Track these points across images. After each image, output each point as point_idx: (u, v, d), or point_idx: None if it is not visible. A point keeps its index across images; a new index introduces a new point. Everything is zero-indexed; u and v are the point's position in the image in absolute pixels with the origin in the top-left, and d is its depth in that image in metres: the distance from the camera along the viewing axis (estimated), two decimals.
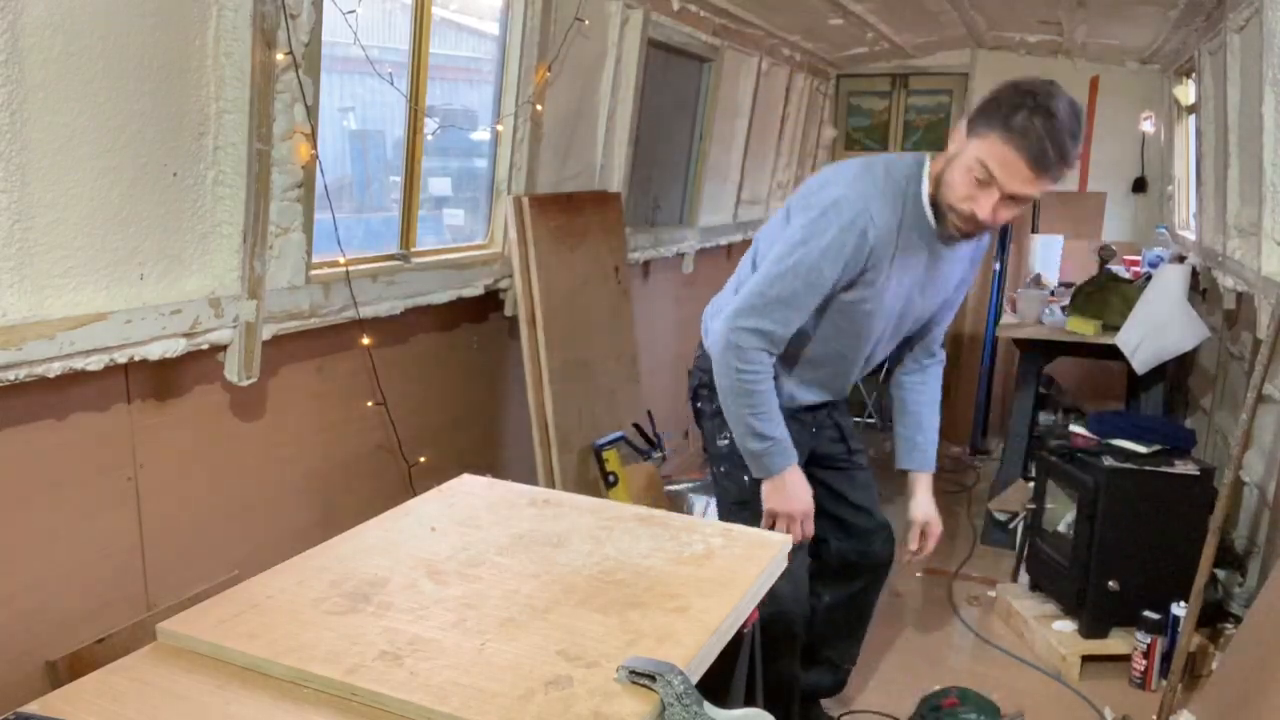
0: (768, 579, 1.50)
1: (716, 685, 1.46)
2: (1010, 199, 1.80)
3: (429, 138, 2.69)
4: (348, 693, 1.11)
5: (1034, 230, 5.22)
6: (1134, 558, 2.93)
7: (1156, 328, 3.52)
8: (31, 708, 1.07)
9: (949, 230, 1.95)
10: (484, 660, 1.17)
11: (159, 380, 1.96)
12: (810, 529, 2.10)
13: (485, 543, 1.53)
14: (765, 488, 2.07)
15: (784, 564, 1.56)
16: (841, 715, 2.70)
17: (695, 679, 1.20)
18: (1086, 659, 2.95)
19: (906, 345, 2.36)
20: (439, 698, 1.09)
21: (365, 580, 1.38)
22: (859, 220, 1.90)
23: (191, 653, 1.20)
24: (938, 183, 1.93)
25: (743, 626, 1.44)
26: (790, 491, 2.06)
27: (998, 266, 5.23)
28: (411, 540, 1.55)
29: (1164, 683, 2.63)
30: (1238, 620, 2.59)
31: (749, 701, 1.59)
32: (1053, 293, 4.23)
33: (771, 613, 1.87)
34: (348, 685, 1.12)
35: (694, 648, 1.22)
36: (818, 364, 2.17)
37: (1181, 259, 4.01)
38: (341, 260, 2.35)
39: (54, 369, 1.65)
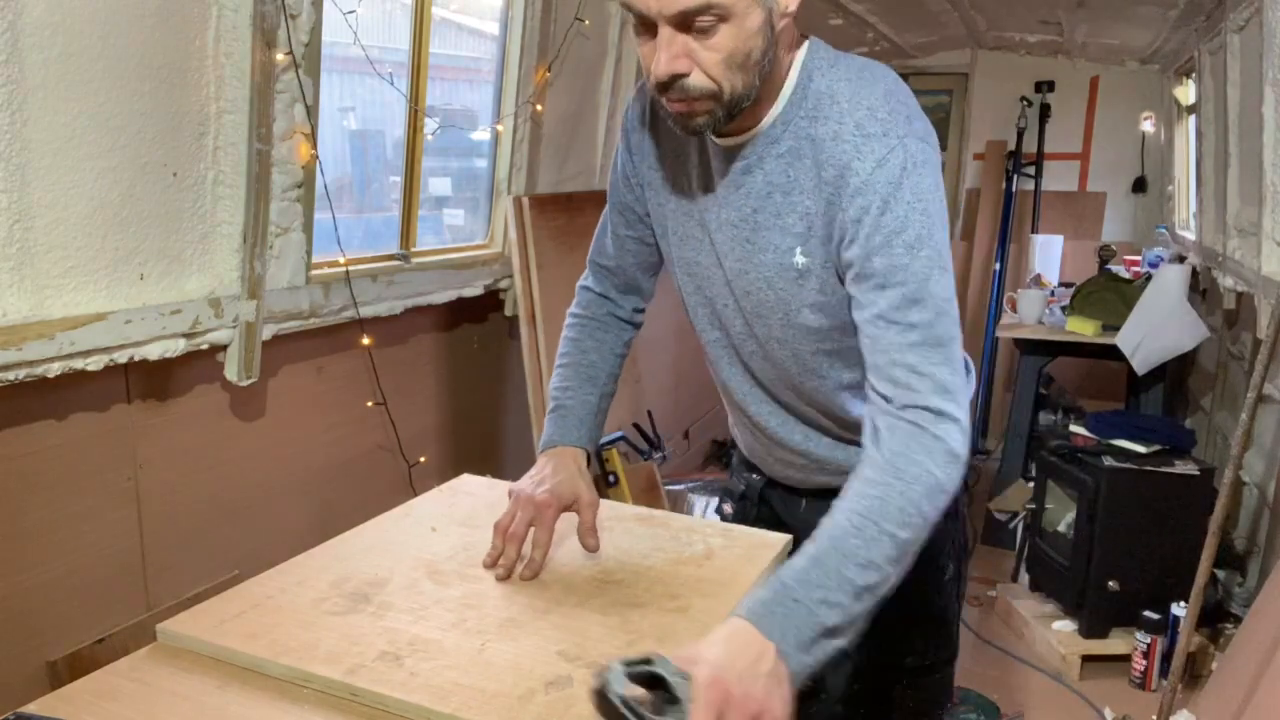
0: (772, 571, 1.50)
1: None
2: (661, 27, 1.04)
3: (429, 138, 2.69)
4: (348, 693, 1.11)
5: (1034, 230, 5.22)
6: (1134, 558, 2.93)
7: (1156, 328, 3.52)
8: (31, 708, 1.06)
9: (675, 125, 1.16)
10: (484, 660, 1.17)
11: (159, 380, 1.96)
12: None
13: (486, 543, 1.53)
14: None
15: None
16: None
17: None
18: (1086, 659, 2.95)
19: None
20: (439, 698, 1.09)
21: (365, 580, 1.38)
22: (627, 108, 1.38)
23: (191, 653, 1.20)
24: None
25: None
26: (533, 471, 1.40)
27: (998, 267, 5.23)
28: (412, 540, 1.55)
29: (1164, 683, 2.63)
30: (1238, 620, 2.59)
31: None
32: (1053, 293, 4.23)
33: None
34: (348, 685, 1.11)
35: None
36: (721, 389, 1.51)
37: (1181, 259, 4.01)
38: (341, 260, 2.35)
39: (54, 369, 1.65)
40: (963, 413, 1.07)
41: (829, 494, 1.21)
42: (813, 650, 0.98)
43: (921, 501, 1.03)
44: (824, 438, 1.41)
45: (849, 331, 1.18)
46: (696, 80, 1.06)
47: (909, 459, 1.04)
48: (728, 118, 1.10)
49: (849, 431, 1.35)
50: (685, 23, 1.02)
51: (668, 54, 1.04)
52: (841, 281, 1.16)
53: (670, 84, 1.06)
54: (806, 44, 1.19)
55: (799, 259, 1.18)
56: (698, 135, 1.18)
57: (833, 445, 1.41)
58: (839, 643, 1.00)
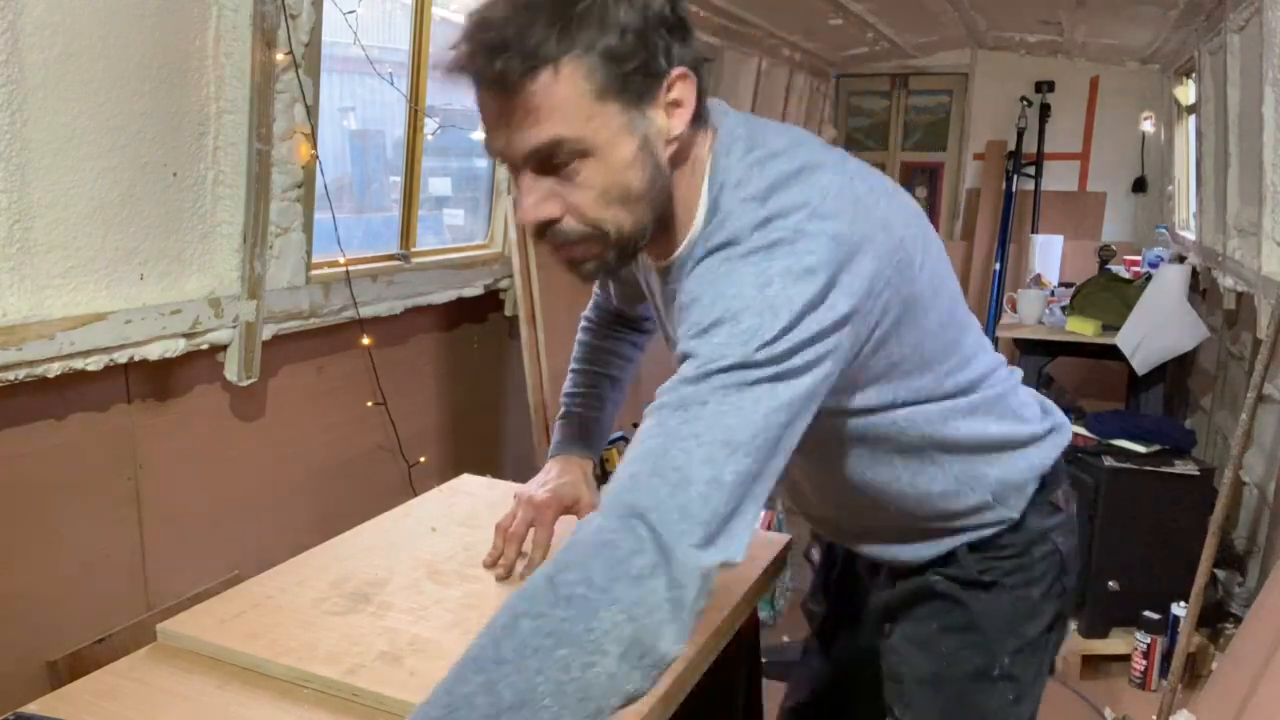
0: (770, 576, 1.50)
1: (718, 685, 1.46)
2: (520, 172, 0.94)
3: (429, 138, 2.69)
4: (349, 693, 1.11)
5: (1034, 230, 5.22)
6: (1134, 558, 2.93)
7: (1156, 328, 3.52)
8: (31, 708, 1.07)
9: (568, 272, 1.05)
10: None
11: (159, 380, 1.96)
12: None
13: (486, 543, 1.53)
14: None
15: (783, 564, 1.55)
16: None
17: (699, 674, 1.20)
18: (1086, 659, 2.95)
19: None
20: None
21: (365, 580, 1.39)
22: None
23: (191, 653, 1.20)
24: None
25: (744, 625, 1.44)
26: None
27: (998, 267, 5.23)
28: (412, 540, 1.55)
29: (1164, 683, 2.63)
30: (1238, 620, 2.59)
31: (749, 698, 1.59)
32: (1053, 293, 4.23)
33: None
34: (349, 685, 1.12)
35: (708, 635, 1.24)
36: None
37: (1181, 259, 4.01)
38: (341, 260, 2.35)
39: (54, 369, 1.65)
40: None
41: (910, 570, 1.22)
42: None
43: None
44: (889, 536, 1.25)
45: (837, 432, 1.07)
46: (569, 225, 0.94)
47: None
48: (623, 257, 0.97)
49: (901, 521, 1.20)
50: (543, 165, 0.91)
51: (532, 199, 0.93)
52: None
53: (542, 232, 0.95)
54: (716, 144, 0.98)
55: None
56: (591, 281, 1.06)
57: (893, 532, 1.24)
58: None
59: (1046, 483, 1.20)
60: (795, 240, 0.87)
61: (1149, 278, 3.76)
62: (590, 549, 0.77)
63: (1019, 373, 1.23)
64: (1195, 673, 2.78)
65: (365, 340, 2.46)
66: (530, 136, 0.89)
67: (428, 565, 1.45)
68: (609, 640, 0.73)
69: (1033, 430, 1.19)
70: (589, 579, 0.75)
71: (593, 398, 1.49)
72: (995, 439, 1.15)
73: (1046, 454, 1.20)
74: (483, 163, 3.05)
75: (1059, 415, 1.26)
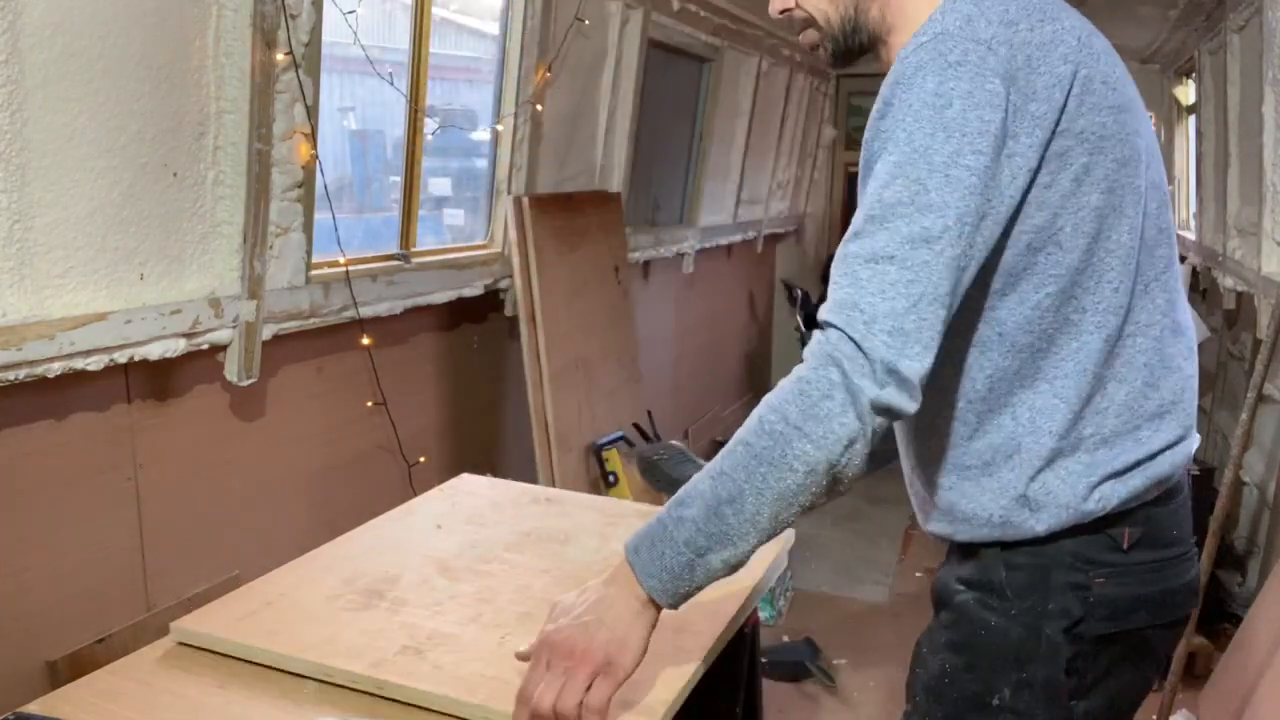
0: (774, 571, 1.51)
1: (718, 684, 1.46)
2: None
3: (429, 138, 2.69)
4: (374, 686, 1.12)
5: None
6: None
7: None
8: (31, 708, 1.07)
9: None
10: (505, 653, 1.17)
11: (159, 380, 1.96)
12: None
13: (493, 540, 1.54)
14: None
15: (784, 563, 1.56)
16: None
17: (699, 674, 1.20)
18: None
19: None
20: (468, 689, 1.10)
21: (376, 578, 1.39)
22: None
23: (191, 653, 1.20)
24: None
25: (744, 625, 1.44)
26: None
27: None
28: (418, 538, 1.55)
29: (1164, 683, 2.63)
30: (1238, 620, 2.59)
31: (749, 696, 1.59)
32: None
33: None
34: (374, 679, 1.12)
35: (710, 635, 1.26)
36: None
37: (1182, 259, 4.01)
38: (341, 260, 2.35)
39: (54, 369, 1.65)
40: (864, 332, 0.91)
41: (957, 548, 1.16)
42: (674, 571, 0.99)
43: (783, 406, 0.94)
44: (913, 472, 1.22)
45: None
46: (798, 13, 1.16)
47: (796, 368, 0.96)
48: (842, 49, 1.15)
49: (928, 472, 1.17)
50: None
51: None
52: None
53: (788, 23, 1.19)
54: None
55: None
56: (832, 67, 1.24)
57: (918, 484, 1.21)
58: (710, 562, 0.98)
59: (1115, 513, 1.07)
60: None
61: None
62: (790, 393, 0.95)
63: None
64: (1195, 673, 2.78)
65: (365, 340, 2.46)
66: None
67: (437, 562, 1.45)
68: (798, 463, 0.93)
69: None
70: (786, 418, 0.94)
71: None
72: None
73: (1128, 483, 1.06)
74: (482, 163, 3.05)
75: (1192, 437, 1.13)
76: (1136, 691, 1.17)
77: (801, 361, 0.97)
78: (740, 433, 0.98)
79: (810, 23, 1.16)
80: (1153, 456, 1.08)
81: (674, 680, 1.15)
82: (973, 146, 0.93)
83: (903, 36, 1.07)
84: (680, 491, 1.01)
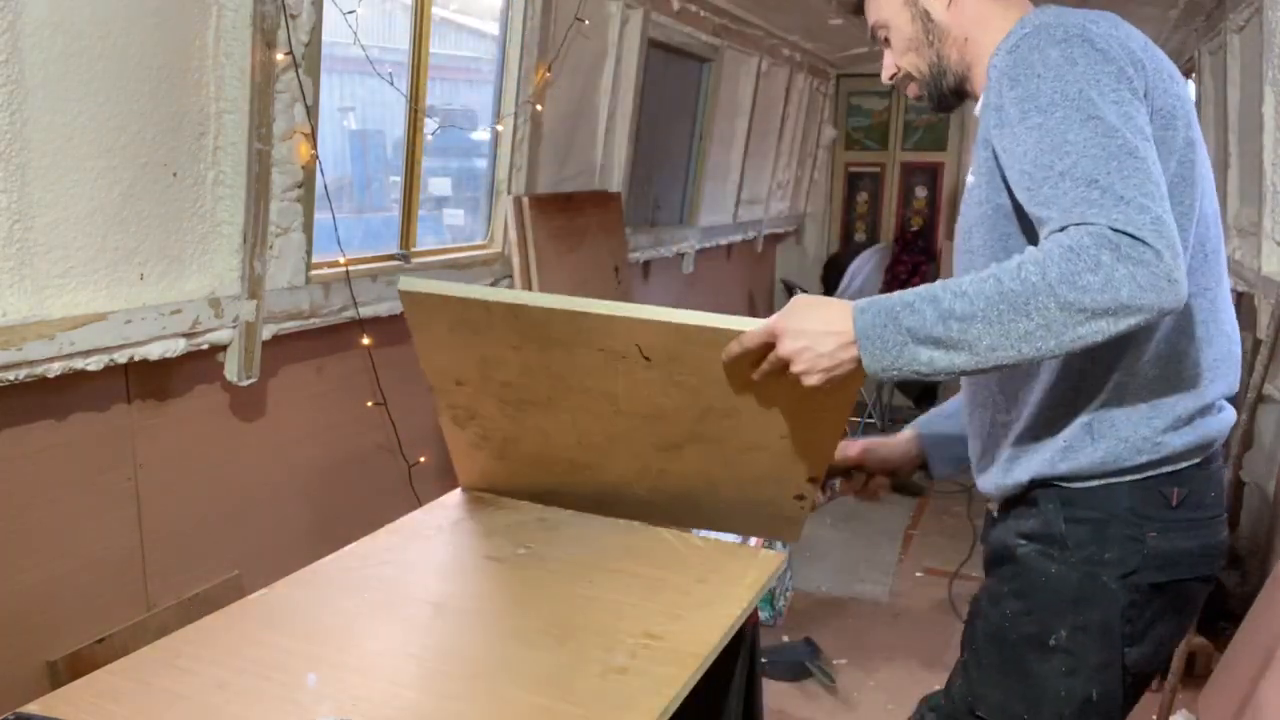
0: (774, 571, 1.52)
1: (717, 685, 1.46)
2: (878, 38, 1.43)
3: (429, 138, 2.69)
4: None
5: None
6: None
7: None
8: (31, 708, 1.07)
9: None
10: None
11: (159, 380, 1.96)
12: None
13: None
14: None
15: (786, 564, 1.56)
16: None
17: (699, 674, 1.20)
18: None
19: None
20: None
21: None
22: None
23: (197, 651, 1.20)
24: None
25: (744, 625, 1.44)
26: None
27: None
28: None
29: (1164, 683, 2.62)
30: (1238, 620, 2.59)
31: (749, 696, 1.59)
32: None
33: None
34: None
35: (710, 635, 1.28)
36: None
37: None
38: (341, 260, 2.35)
39: (54, 369, 1.65)
40: (1138, 228, 0.99)
41: (1003, 515, 1.32)
42: (886, 338, 1.09)
43: (1047, 263, 1.01)
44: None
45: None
46: (901, 73, 1.38)
47: (1052, 240, 1.03)
48: (938, 92, 1.34)
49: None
50: (877, 39, 1.41)
51: (888, 60, 1.40)
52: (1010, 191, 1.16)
53: (900, 84, 1.40)
54: (1031, 11, 1.25)
55: (970, 178, 1.27)
56: (936, 111, 1.43)
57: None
58: (919, 354, 1.08)
59: (1165, 473, 1.20)
60: None
61: None
62: (1059, 253, 1.01)
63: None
64: (1195, 673, 2.78)
65: (365, 340, 2.46)
66: (868, 14, 1.41)
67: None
68: (1036, 312, 1.01)
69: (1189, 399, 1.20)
70: (1045, 273, 1.01)
71: None
72: (1143, 380, 1.19)
73: (1182, 435, 1.20)
74: (482, 163, 3.05)
75: (1230, 409, 1.25)
76: (1175, 640, 1.31)
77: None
78: (996, 268, 1.06)
79: (910, 78, 1.36)
80: (1204, 411, 1.21)
81: (674, 680, 1.15)
82: (1113, 86, 1.08)
83: (980, 70, 1.26)
84: (917, 289, 1.11)
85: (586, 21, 3.04)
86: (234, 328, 2.00)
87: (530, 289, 2.89)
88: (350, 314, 2.36)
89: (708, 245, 4.70)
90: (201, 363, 2.02)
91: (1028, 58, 1.11)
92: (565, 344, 1.35)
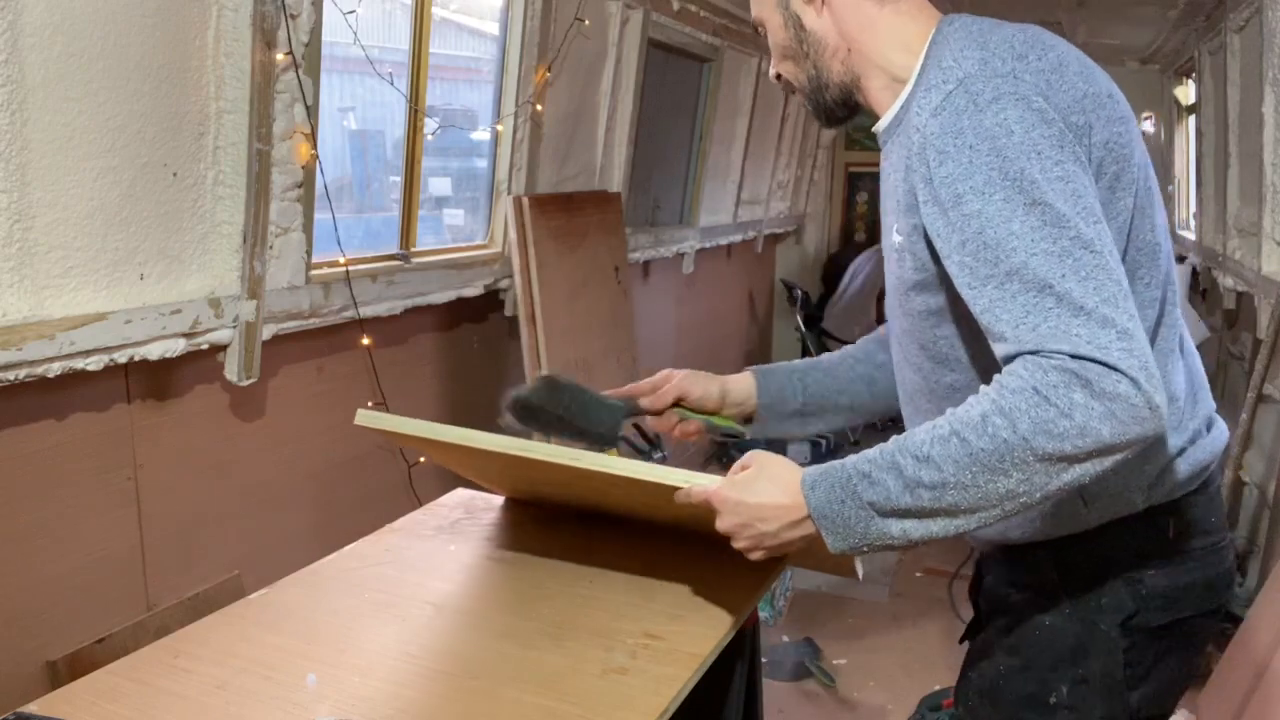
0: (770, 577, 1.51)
1: (717, 685, 1.46)
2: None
3: (429, 138, 2.69)
4: None
5: None
6: None
7: None
8: (31, 708, 1.07)
9: None
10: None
11: (159, 380, 1.96)
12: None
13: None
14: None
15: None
16: None
17: (699, 675, 1.20)
18: None
19: None
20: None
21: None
22: None
23: (197, 650, 1.20)
24: None
25: (744, 625, 1.44)
26: None
27: None
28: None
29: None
30: (1238, 620, 2.59)
31: (749, 696, 1.59)
32: None
33: None
34: None
35: (710, 635, 1.28)
36: None
37: (1181, 259, 4.01)
38: (341, 260, 2.35)
39: (54, 369, 1.65)
40: (1105, 351, 0.90)
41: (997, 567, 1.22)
42: (846, 516, 0.99)
43: (1015, 415, 0.91)
44: None
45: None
46: (783, 79, 1.25)
47: (1013, 375, 0.93)
48: (820, 106, 1.22)
49: None
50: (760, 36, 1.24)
51: (773, 63, 1.25)
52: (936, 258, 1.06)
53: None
54: (938, 27, 1.13)
55: (895, 237, 1.14)
56: (823, 125, 1.28)
57: None
58: (888, 528, 0.98)
59: (1162, 505, 1.11)
60: None
61: None
62: (1026, 400, 0.91)
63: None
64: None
65: (365, 340, 2.46)
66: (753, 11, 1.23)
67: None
68: (1015, 469, 0.92)
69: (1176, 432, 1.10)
70: (1015, 426, 0.91)
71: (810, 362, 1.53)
72: None
73: (1177, 469, 1.11)
74: (483, 162, 3.05)
75: (1219, 423, 1.17)
76: (1183, 678, 1.20)
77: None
78: (955, 423, 0.95)
79: (790, 87, 1.24)
80: (1194, 438, 1.12)
81: (674, 680, 1.15)
82: (1055, 158, 0.96)
83: (874, 81, 1.16)
84: (867, 456, 1.00)
85: (586, 22, 3.03)
86: (234, 328, 2.00)
87: (530, 289, 2.89)
88: (350, 314, 2.36)
89: (708, 245, 4.70)
90: (201, 363, 2.02)
91: (956, 124, 0.99)
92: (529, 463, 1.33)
